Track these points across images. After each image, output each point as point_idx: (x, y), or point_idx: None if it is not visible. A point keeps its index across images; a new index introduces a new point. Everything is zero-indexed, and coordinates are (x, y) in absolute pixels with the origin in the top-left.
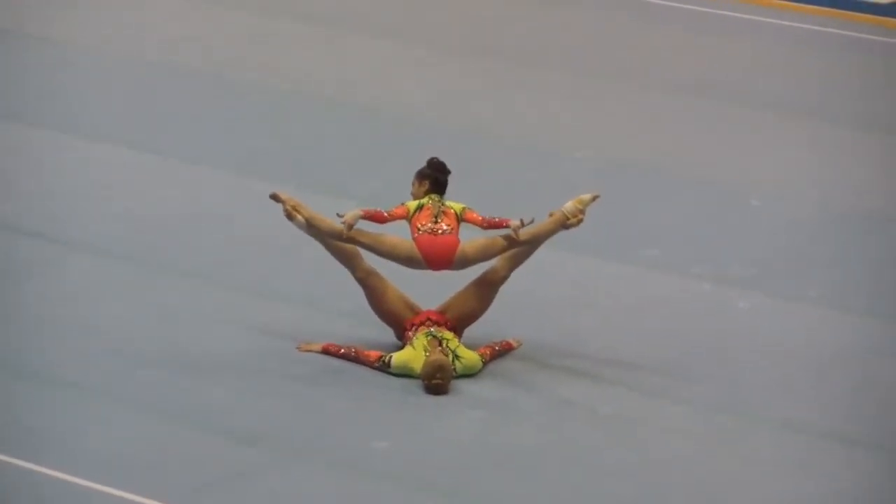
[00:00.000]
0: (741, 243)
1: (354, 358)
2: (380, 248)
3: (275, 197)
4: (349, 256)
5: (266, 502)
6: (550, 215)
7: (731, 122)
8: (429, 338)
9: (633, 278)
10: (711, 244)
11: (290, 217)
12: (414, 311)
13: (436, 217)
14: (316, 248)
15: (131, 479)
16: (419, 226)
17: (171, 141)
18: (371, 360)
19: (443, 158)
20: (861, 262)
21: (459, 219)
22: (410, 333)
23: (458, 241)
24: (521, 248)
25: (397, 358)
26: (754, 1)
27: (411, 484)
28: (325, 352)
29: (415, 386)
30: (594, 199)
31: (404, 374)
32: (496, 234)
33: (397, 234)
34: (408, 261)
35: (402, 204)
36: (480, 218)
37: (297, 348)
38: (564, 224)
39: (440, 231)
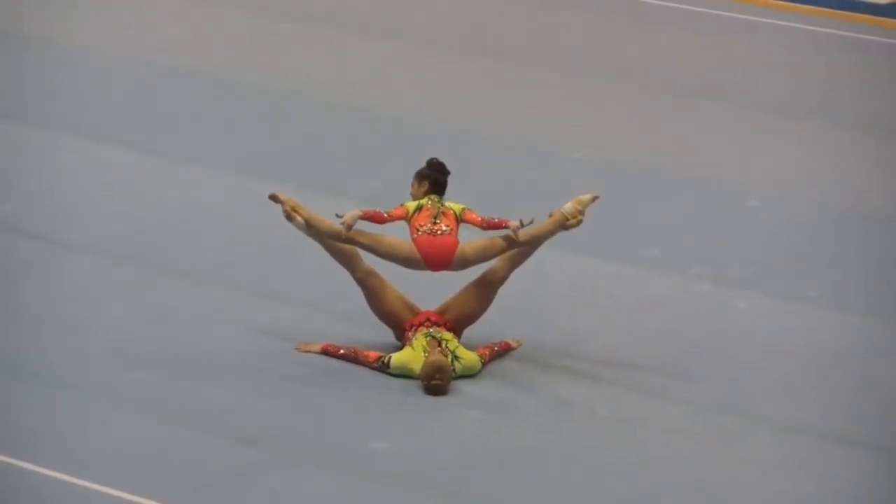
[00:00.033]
0: (741, 243)
1: (354, 358)
2: (379, 248)
3: (274, 197)
4: (348, 257)
5: (266, 502)
6: (550, 216)
7: (731, 122)
8: (428, 338)
9: (632, 278)
10: (711, 244)
11: (289, 218)
12: (413, 311)
13: (435, 218)
14: (316, 249)
15: (131, 479)
16: (418, 226)
17: (171, 141)
18: (370, 360)
19: (442, 158)
20: (861, 262)
21: (459, 219)
22: (410, 334)
23: (457, 242)
24: (520, 248)
25: (396, 358)
26: (754, 1)
27: (411, 484)
28: (325, 352)
29: (414, 386)
30: (593, 199)
31: (403, 374)
32: (495, 235)
33: (396, 235)
34: (407, 261)
35: (402, 205)
36: (480, 219)
37: (296, 349)
38: (564, 225)
39: (439, 232)
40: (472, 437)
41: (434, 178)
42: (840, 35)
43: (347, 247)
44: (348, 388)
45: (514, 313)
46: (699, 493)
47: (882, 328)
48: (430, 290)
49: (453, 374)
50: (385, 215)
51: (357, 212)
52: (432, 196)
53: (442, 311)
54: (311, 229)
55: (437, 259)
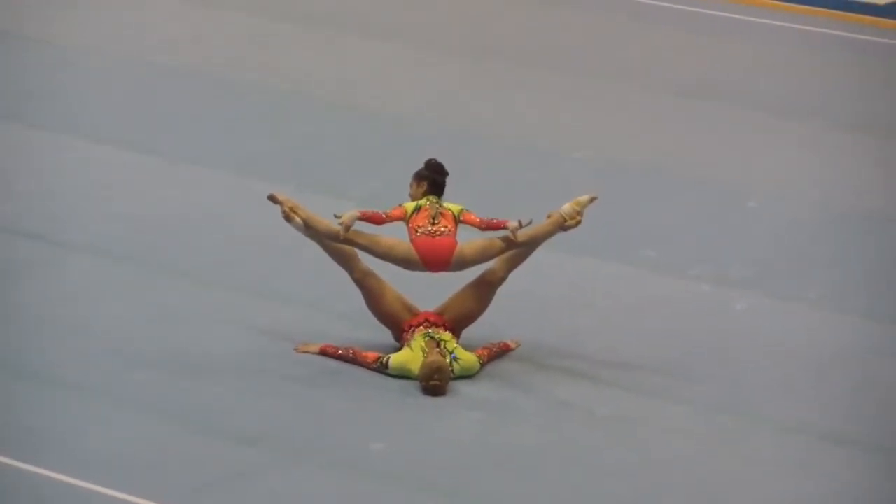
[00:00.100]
0: (741, 243)
1: (352, 359)
2: (377, 249)
3: (272, 198)
4: (347, 258)
5: (266, 502)
6: (548, 217)
7: (732, 122)
8: (427, 339)
9: (632, 279)
10: (712, 244)
11: (287, 218)
12: (412, 312)
13: (433, 218)
14: (315, 249)
15: (131, 479)
16: (417, 227)
17: (171, 141)
18: (369, 361)
19: (442, 159)
20: (861, 263)
21: (457, 220)
22: (408, 334)
23: (455, 243)
24: (519, 249)
25: (395, 359)
26: (754, 2)
27: (411, 484)
28: (323, 353)
29: (413, 387)
30: (592, 200)
31: (402, 375)
32: (494, 236)
33: (395, 236)
34: (405, 262)
35: (400, 205)
36: (478, 219)
37: (295, 349)
38: (562, 226)
39: (438, 232)
40: (472, 437)
41: (432, 178)
42: (840, 35)
43: (346, 247)
44: (348, 388)
45: (514, 314)
46: (700, 493)
47: (882, 329)
48: (428, 291)
49: (452, 375)
50: (383, 216)
51: (355, 212)
52: (431, 197)
53: (440, 312)
54: (310, 230)
55: (435, 260)
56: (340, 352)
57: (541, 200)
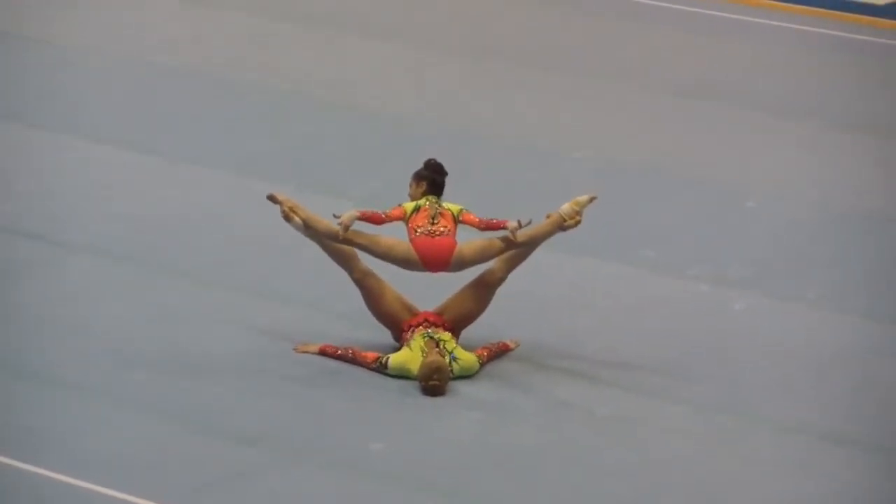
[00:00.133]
0: (741, 243)
1: (351, 359)
2: (376, 249)
3: (272, 198)
4: (346, 258)
5: (266, 502)
6: (548, 217)
7: (731, 122)
8: (426, 339)
9: (631, 279)
10: (711, 244)
11: (287, 218)
12: (411, 312)
13: (433, 218)
14: (315, 249)
15: (131, 479)
16: (416, 227)
17: (171, 141)
18: (368, 361)
19: (442, 159)
20: (861, 263)
21: (457, 220)
22: (408, 334)
23: (455, 243)
24: (518, 249)
25: (394, 359)
26: (752, 2)
27: (411, 484)
28: (323, 353)
29: (412, 387)
30: (591, 200)
31: (401, 375)
32: (494, 236)
33: (394, 236)
34: (404, 262)
35: (400, 205)
36: (478, 219)
37: (294, 349)
38: (562, 226)
39: (437, 232)
40: (471, 437)
41: (432, 178)
42: (839, 36)
43: (345, 247)
44: (348, 388)
45: (513, 314)
46: (699, 493)
47: (882, 329)
48: (427, 291)
49: (451, 375)
50: (383, 216)
51: (355, 212)
52: (430, 197)
53: (440, 312)
54: (309, 230)
55: (434, 260)
56: (340, 352)
57: (540, 200)
